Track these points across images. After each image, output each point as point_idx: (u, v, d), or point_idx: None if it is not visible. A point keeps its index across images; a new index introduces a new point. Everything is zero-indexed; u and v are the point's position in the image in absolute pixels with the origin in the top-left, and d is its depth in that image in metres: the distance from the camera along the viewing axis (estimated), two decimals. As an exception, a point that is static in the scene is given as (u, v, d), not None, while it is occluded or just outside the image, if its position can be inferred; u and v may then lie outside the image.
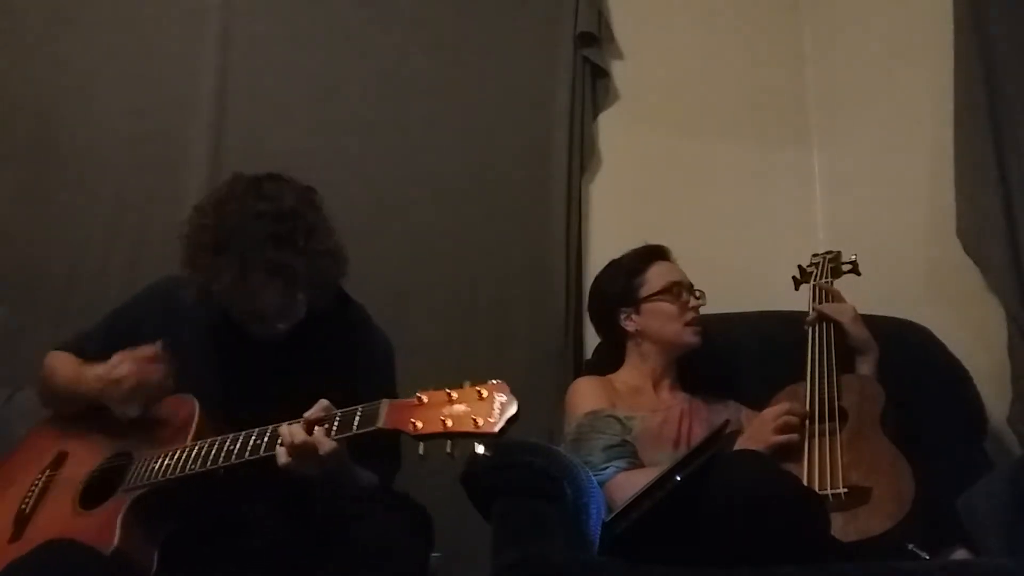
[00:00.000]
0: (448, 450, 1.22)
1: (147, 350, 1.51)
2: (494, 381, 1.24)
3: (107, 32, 2.39)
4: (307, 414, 1.37)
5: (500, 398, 1.21)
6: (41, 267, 2.23)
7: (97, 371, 1.53)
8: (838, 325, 1.89)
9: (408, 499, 1.54)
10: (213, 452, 1.41)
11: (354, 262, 1.65)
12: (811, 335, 1.90)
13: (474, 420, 1.20)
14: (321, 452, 1.34)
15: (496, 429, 1.19)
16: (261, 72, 2.45)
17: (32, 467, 1.59)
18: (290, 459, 1.35)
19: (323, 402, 1.38)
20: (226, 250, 1.49)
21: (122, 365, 1.50)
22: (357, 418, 1.32)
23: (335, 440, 1.34)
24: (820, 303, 1.96)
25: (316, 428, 1.35)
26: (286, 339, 1.60)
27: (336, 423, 1.34)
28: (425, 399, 1.26)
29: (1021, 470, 1.54)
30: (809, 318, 1.93)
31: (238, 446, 1.40)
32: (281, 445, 1.36)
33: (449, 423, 1.21)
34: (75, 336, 1.73)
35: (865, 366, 1.87)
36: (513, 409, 1.20)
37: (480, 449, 1.21)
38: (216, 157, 2.36)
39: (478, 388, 1.23)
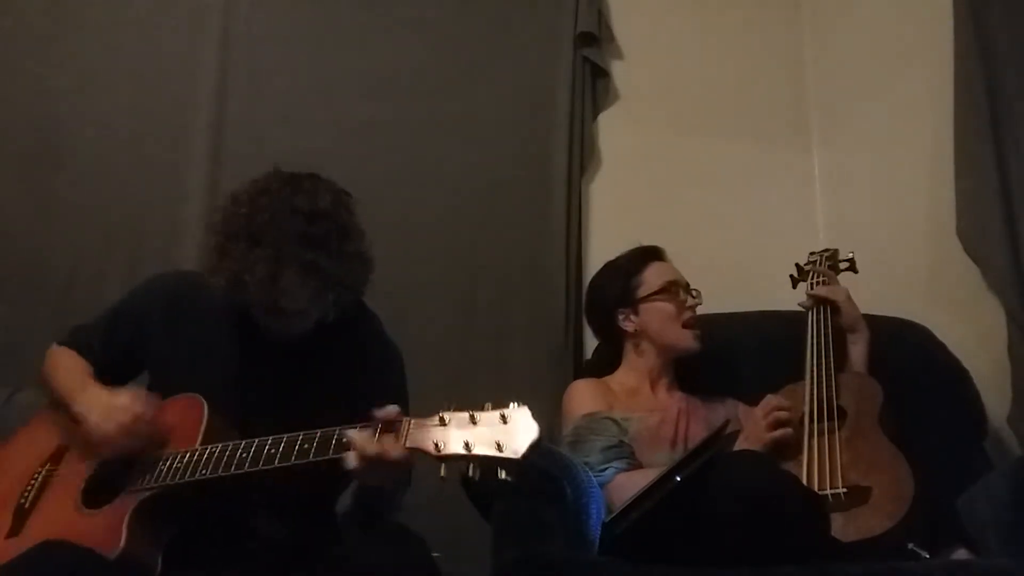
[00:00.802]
0: (470, 473, 1.22)
1: (141, 413, 1.45)
2: (515, 404, 1.23)
3: (107, 32, 2.39)
4: (379, 414, 1.31)
5: (523, 422, 1.21)
6: (41, 267, 2.23)
7: (92, 409, 1.48)
8: (834, 307, 1.93)
9: (409, 535, 1.50)
10: (225, 458, 1.38)
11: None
12: (810, 319, 1.94)
13: (497, 444, 1.20)
14: (393, 456, 1.28)
15: (519, 455, 1.19)
16: (261, 72, 2.45)
17: (31, 458, 1.57)
18: (361, 465, 1.29)
19: (393, 408, 1.32)
20: (261, 243, 1.46)
21: (113, 425, 1.44)
22: (377, 435, 1.29)
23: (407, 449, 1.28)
24: (814, 288, 2.01)
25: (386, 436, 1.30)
26: (298, 344, 1.58)
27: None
28: (447, 419, 1.25)
29: (1021, 470, 1.54)
30: (806, 303, 1.98)
31: (251, 454, 1.37)
32: (350, 450, 1.30)
33: (471, 446, 1.21)
34: (77, 329, 1.69)
35: (856, 346, 1.91)
36: (535, 434, 1.20)
37: (503, 475, 1.20)
38: (216, 157, 2.36)
39: (502, 412, 1.23)
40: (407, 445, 1.26)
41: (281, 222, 1.47)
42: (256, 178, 1.57)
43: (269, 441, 1.37)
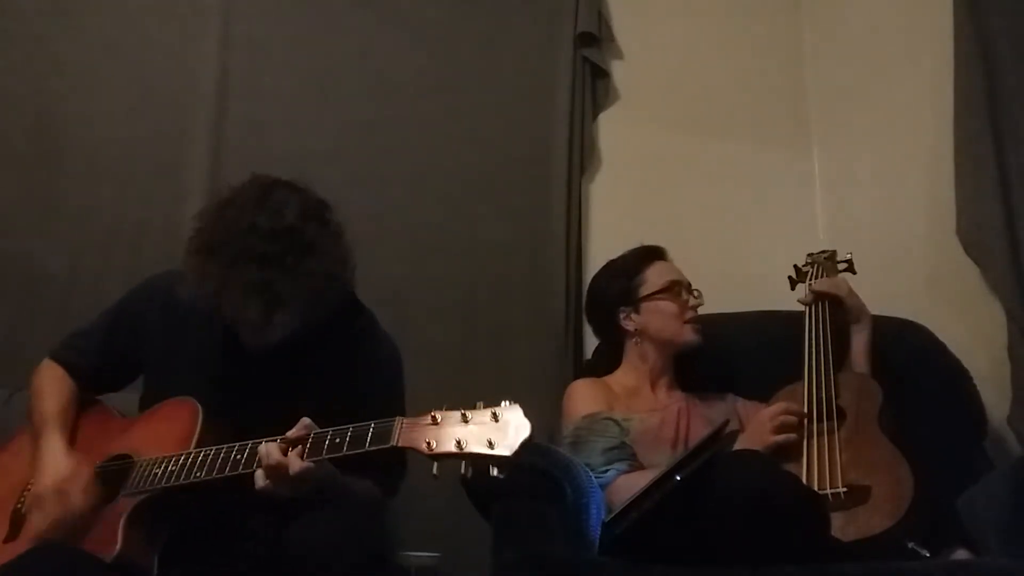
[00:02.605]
0: (462, 471, 1.23)
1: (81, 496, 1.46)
2: (507, 402, 1.24)
3: (107, 32, 2.39)
4: (288, 433, 1.35)
5: (515, 420, 1.22)
6: (41, 267, 2.23)
7: (44, 466, 1.50)
8: (835, 300, 1.91)
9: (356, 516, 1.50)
10: (219, 461, 1.39)
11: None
12: (808, 315, 1.92)
13: (489, 441, 1.21)
14: (291, 472, 1.32)
15: (511, 453, 1.20)
16: (261, 72, 2.45)
17: (27, 465, 1.57)
18: (267, 481, 1.34)
19: (304, 420, 1.37)
20: (213, 257, 1.48)
21: (50, 495, 1.45)
22: (370, 435, 1.31)
23: (312, 461, 1.32)
24: (815, 282, 1.99)
25: (290, 449, 1.34)
26: (291, 344, 1.58)
27: (348, 438, 1.32)
28: (439, 418, 1.26)
29: (1021, 470, 1.54)
30: (806, 298, 1.96)
31: (245, 456, 1.38)
32: (259, 466, 1.35)
33: (464, 444, 1.22)
34: (70, 337, 1.70)
35: (860, 335, 1.90)
36: (527, 432, 1.21)
37: (495, 472, 1.21)
38: (216, 157, 2.36)
39: (493, 410, 1.24)
40: (399, 444, 1.27)
41: (236, 239, 1.48)
42: (235, 185, 1.57)
43: (248, 446, 1.39)
